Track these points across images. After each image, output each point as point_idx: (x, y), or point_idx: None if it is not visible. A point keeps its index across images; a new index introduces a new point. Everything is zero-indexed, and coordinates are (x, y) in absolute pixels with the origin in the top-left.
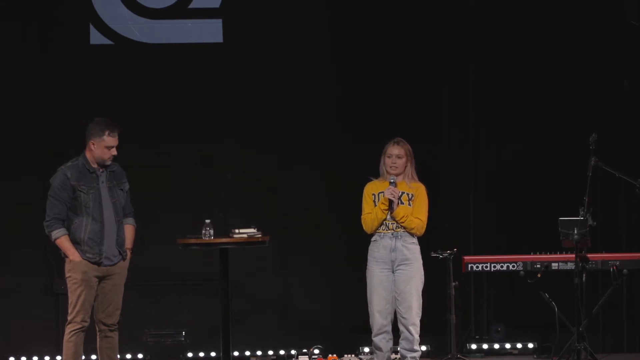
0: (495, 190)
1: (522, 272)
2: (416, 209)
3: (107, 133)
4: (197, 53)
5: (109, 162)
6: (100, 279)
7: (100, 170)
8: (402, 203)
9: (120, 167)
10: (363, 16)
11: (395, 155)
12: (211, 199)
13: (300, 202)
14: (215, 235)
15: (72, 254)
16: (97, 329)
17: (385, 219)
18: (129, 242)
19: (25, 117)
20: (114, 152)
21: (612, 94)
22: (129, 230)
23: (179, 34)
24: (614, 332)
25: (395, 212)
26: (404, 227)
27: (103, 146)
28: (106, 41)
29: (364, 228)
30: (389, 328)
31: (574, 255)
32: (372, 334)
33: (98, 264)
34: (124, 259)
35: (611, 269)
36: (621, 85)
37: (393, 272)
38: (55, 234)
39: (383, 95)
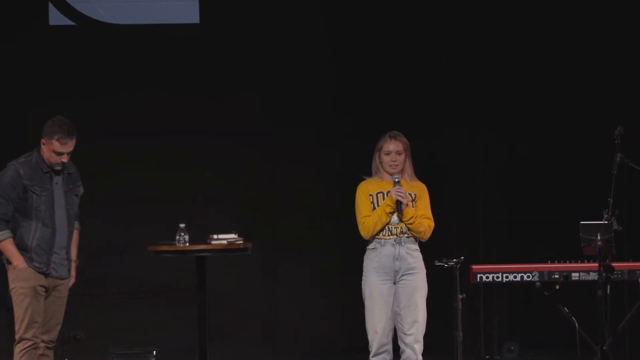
0: (507, 191)
1: (538, 283)
2: (421, 210)
3: (56, 138)
4: (171, 35)
5: (57, 168)
6: (46, 289)
7: (55, 170)
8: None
9: (76, 168)
10: None
11: (395, 151)
12: (187, 201)
13: (290, 204)
14: (192, 242)
15: (17, 259)
16: None
17: (388, 223)
18: (73, 249)
19: None
20: (64, 158)
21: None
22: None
23: (150, 14)
24: None
25: (404, 211)
26: (412, 230)
27: (51, 149)
28: (67, 22)
29: (362, 233)
30: (390, 347)
31: (597, 264)
32: (371, 354)
33: (45, 274)
34: (70, 273)
35: (639, 280)
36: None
37: (395, 284)
38: None
39: (382, 86)
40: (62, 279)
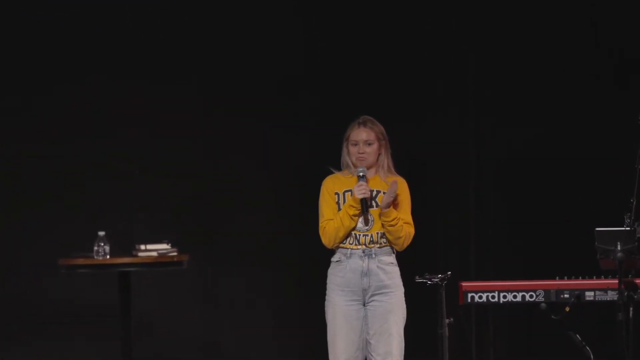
0: (506, 189)
1: (543, 305)
2: (399, 212)
3: None
4: (86, 4)
5: None
6: None
7: None
8: (377, 206)
9: None
10: None
11: (363, 141)
12: (109, 206)
13: (237, 206)
14: (113, 253)
15: None
16: None
17: (354, 229)
18: None
19: None
20: None
21: None
22: None
23: None
24: None
25: (387, 211)
26: (391, 234)
27: None
28: None
29: (324, 241)
30: None
31: (616, 281)
32: None
33: None
34: None
35: None
36: None
37: (364, 305)
38: None
39: (355, 60)
40: None
